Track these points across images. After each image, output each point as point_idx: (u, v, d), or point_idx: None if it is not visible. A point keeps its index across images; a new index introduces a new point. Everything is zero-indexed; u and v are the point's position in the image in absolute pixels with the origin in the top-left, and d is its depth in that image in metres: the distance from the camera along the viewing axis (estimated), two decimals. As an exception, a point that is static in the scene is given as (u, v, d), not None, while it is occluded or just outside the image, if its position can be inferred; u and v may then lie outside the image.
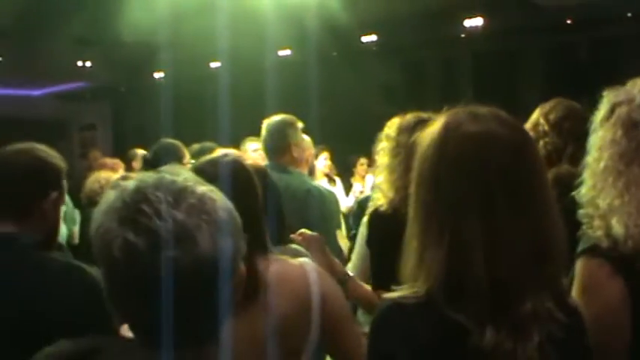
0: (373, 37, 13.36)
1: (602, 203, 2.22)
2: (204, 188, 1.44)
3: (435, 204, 1.77)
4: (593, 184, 2.27)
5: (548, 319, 1.73)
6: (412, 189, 1.85)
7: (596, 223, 2.22)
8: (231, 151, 2.48)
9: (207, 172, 2.34)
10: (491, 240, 1.71)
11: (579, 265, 2.23)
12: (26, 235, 2.54)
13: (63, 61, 15.21)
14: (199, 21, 9.01)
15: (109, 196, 1.40)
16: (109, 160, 9.07)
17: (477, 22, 12.58)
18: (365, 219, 3.73)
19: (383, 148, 3.55)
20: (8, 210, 2.58)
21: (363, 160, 9.85)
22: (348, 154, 10.28)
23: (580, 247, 2.27)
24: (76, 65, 15.95)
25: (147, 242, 1.32)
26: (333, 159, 9.26)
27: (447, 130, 1.81)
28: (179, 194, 1.37)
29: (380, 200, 3.49)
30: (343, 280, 3.09)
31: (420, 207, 1.81)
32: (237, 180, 2.35)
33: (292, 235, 3.11)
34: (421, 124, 2.76)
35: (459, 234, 1.71)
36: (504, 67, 11.80)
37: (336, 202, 4.99)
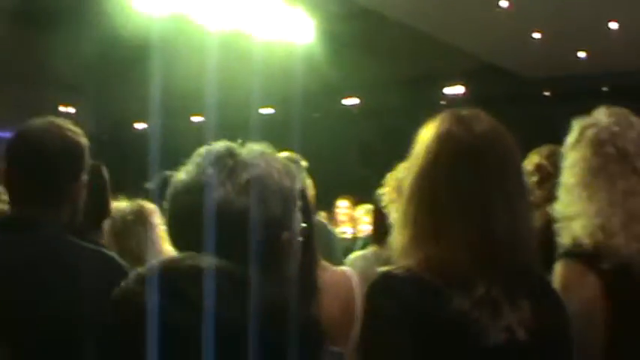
0: (355, 100, 13.54)
1: (569, 211, 2.47)
2: (247, 156, 1.79)
3: (429, 199, 1.98)
4: (565, 200, 2.51)
5: (517, 304, 1.91)
6: (409, 180, 2.05)
7: (566, 231, 2.47)
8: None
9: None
10: (472, 232, 1.93)
11: (556, 269, 2.44)
12: (54, 219, 2.44)
13: (46, 104, 15.27)
14: (183, 74, 9.12)
15: None
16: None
17: (457, 90, 12.80)
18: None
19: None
20: (41, 194, 2.45)
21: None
22: (326, 212, 10.30)
23: (557, 255, 2.49)
24: (59, 110, 16.00)
25: (182, 187, 1.77)
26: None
27: (442, 139, 2.02)
28: (219, 158, 1.77)
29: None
30: None
31: (413, 195, 2.02)
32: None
33: None
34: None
35: (446, 230, 1.94)
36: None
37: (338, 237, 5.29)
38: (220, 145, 1.82)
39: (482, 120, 2.06)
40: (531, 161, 3.64)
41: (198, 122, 13.96)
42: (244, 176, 1.74)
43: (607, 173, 2.48)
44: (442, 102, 12.82)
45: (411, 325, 1.86)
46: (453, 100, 12.72)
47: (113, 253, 2.49)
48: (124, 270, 2.38)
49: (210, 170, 1.75)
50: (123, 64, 10.01)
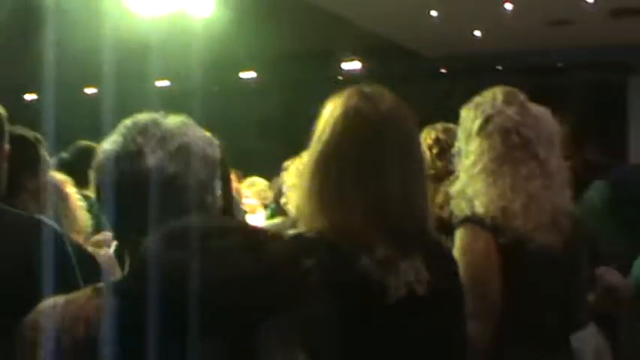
0: (252, 74, 13.47)
1: (470, 191, 2.74)
2: (173, 126, 1.91)
3: (335, 170, 2.13)
4: (467, 182, 2.77)
5: (413, 263, 2.09)
6: (315, 154, 2.19)
7: (463, 205, 2.75)
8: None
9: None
10: (371, 201, 2.10)
11: (458, 233, 2.71)
12: None
13: None
14: (78, 44, 8.92)
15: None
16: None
17: (354, 65, 12.85)
18: None
19: None
20: None
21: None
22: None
23: (456, 223, 2.76)
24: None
25: (112, 156, 1.84)
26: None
27: (350, 115, 2.16)
28: (146, 127, 1.87)
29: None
30: None
31: (319, 166, 2.16)
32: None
33: None
34: None
35: (349, 200, 2.10)
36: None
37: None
38: (145, 116, 1.92)
39: (386, 98, 2.21)
40: (430, 135, 3.84)
41: (92, 94, 13.70)
42: (174, 144, 1.86)
43: (511, 160, 2.72)
44: (339, 77, 12.85)
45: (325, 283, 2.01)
46: (351, 75, 12.77)
47: (45, 217, 2.48)
48: (59, 234, 2.43)
49: (140, 139, 1.85)
50: (11, 32, 9.70)
